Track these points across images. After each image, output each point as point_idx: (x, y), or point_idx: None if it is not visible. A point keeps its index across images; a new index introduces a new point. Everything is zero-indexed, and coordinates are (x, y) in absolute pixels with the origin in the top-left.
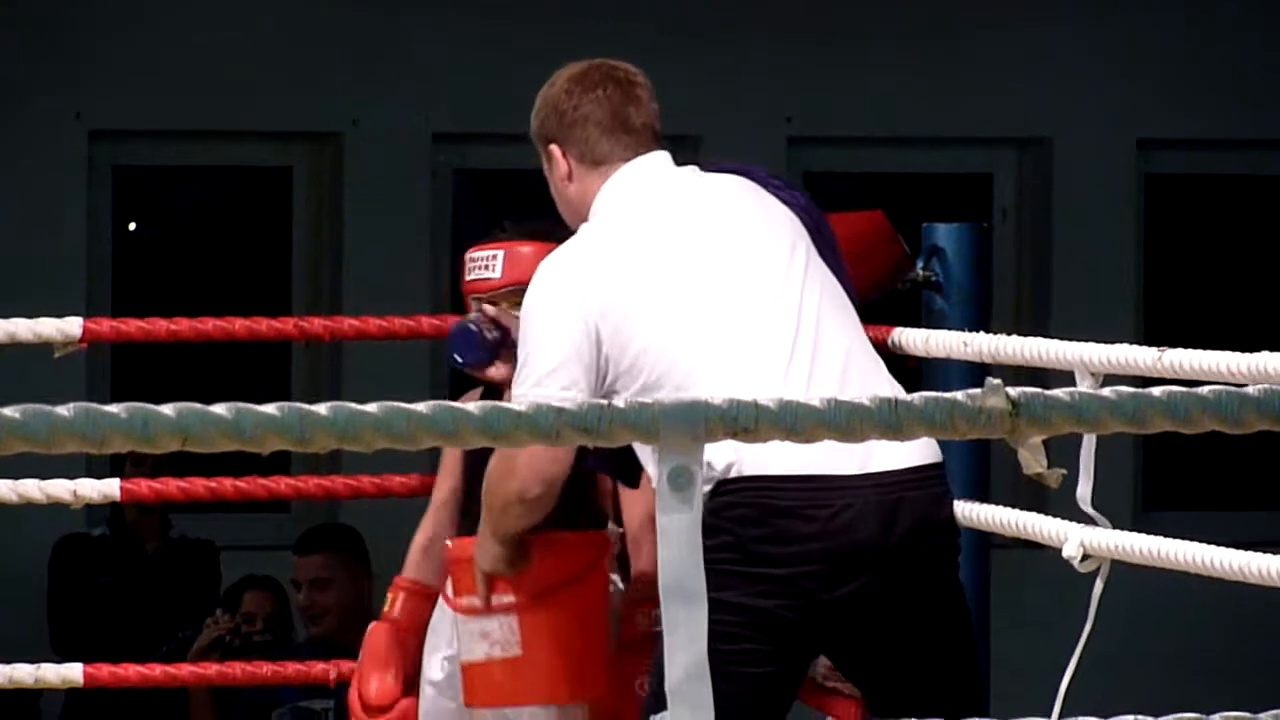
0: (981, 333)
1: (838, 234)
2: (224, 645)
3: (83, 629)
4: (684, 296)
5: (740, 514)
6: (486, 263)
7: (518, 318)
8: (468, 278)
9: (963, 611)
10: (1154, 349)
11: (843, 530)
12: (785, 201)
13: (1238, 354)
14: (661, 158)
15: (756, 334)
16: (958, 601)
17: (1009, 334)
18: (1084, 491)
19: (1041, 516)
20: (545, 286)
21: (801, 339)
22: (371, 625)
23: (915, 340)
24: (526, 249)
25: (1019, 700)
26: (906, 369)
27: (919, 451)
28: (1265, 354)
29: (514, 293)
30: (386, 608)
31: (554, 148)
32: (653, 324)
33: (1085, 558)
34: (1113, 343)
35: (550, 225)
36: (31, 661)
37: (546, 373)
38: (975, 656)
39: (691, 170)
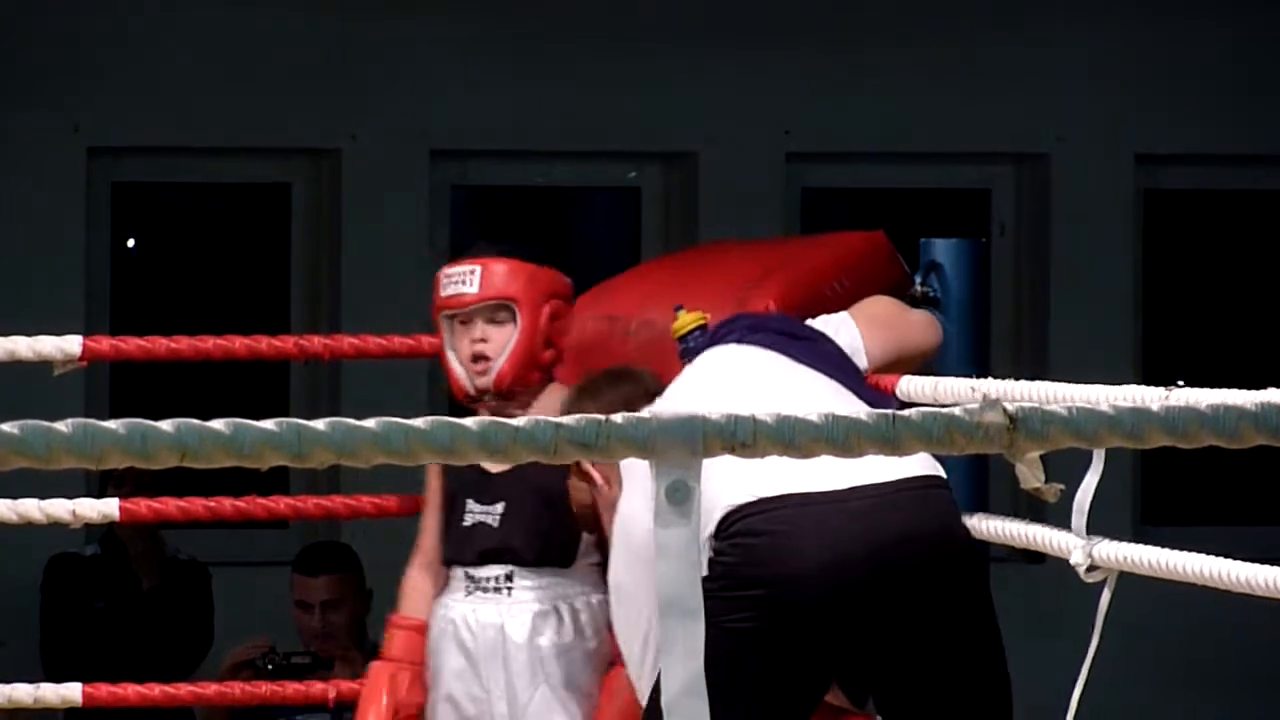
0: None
1: (838, 255)
2: (255, 667)
3: (76, 655)
4: None
5: (725, 559)
6: (463, 278)
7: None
8: (444, 293)
9: (980, 628)
10: (1161, 389)
11: (799, 552)
12: (737, 338)
13: (1244, 392)
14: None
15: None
16: (972, 617)
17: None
18: (1079, 523)
19: (1048, 528)
20: None
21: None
22: (372, 664)
23: (923, 388)
24: (502, 266)
25: (1018, 716)
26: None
27: (913, 465)
28: (1273, 390)
29: (489, 309)
30: (385, 647)
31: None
32: None
33: (1092, 569)
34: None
35: (534, 252)
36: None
37: None
38: (1001, 673)
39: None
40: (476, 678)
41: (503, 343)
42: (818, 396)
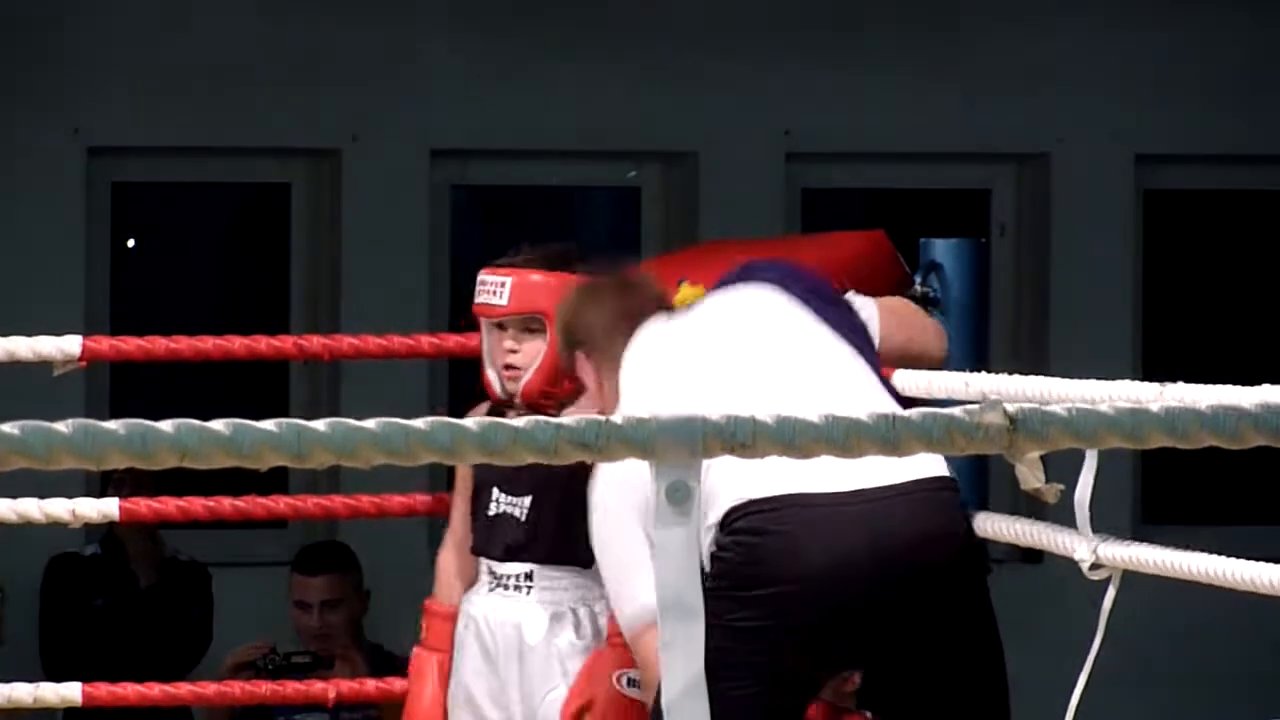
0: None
1: (841, 254)
2: (256, 667)
3: (75, 653)
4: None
5: (728, 555)
6: (495, 288)
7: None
8: (477, 300)
9: (980, 629)
10: (1156, 384)
11: (802, 553)
12: (772, 280)
13: (1239, 388)
14: (657, 321)
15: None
16: (972, 619)
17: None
18: (1084, 522)
19: (1053, 527)
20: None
21: (811, 393)
22: (416, 650)
23: (917, 382)
24: (537, 278)
25: (1015, 717)
26: None
27: (917, 466)
28: (1268, 387)
29: (521, 320)
30: (424, 634)
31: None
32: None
33: (1096, 567)
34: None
35: (569, 249)
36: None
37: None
38: (1000, 675)
39: (680, 315)
40: (495, 676)
41: (533, 355)
42: (844, 375)
